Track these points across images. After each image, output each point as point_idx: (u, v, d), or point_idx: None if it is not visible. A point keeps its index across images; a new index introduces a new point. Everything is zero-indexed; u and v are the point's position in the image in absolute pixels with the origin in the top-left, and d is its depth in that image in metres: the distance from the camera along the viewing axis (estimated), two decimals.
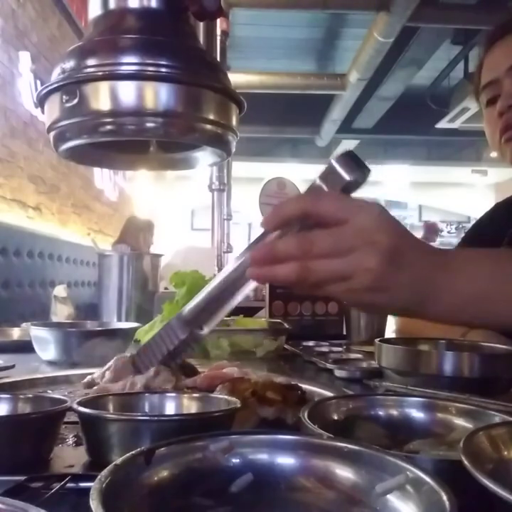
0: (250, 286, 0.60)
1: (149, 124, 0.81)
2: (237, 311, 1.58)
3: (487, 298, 0.58)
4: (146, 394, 0.60)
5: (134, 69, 0.78)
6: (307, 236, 0.55)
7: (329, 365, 1.00)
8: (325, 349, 1.23)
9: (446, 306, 0.58)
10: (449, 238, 11.70)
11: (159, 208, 7.76)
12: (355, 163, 0.56)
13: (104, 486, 0.31)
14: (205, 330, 0.65)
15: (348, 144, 8.69)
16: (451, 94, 6.10)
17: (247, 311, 1.60)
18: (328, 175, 0.56)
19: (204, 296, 0.64)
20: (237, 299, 0.62)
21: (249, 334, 1.23)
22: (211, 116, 0.83)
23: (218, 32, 2.33)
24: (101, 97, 0.78)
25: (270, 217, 0.57)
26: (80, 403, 0.52)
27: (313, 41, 6.26)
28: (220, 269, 2.92)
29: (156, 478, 0.36)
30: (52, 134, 0.83)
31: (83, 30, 3.73)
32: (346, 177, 0.55)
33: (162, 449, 0.37)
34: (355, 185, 0.57)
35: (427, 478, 0.33)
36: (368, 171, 0.56)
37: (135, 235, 3.98)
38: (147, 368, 0.67)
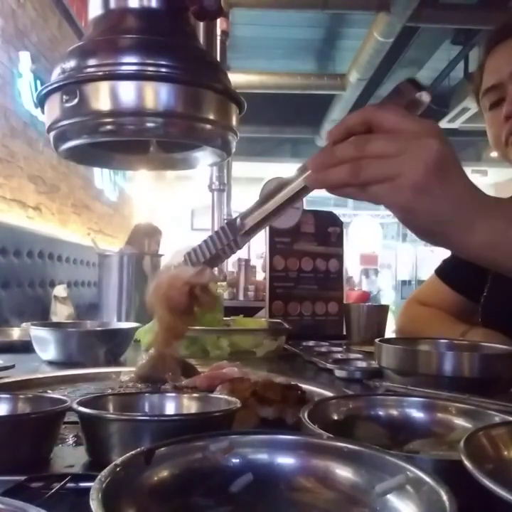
0: (304, 194, 0.63)
1: (149, 124, 0.81)
2: (237, 311, 1.58)
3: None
4: (146, 394, 0.60)
5: (134, 69, 0.78)
6: (362, 138, 0.58)
7: (329, 365, 1.00)
8: (325, 349, 1.22)
9: (477, 236, 0.59)
10: None
11: (159, 208, 7.76)
12: (417, 84, 0.62)
13: (104, 486, 0.31)
14: (251, 236, 0.66)
15: None
16: (451, 94, 6.11)
17: (247, 311, 1.60)
18: (392, 94, 0.62)
19: (258, 206, 0.65)
20: (288, 208, 0.65)
21: (249, 334, 1.23)
22: (211, 116, 0.83)
23: (218, 32, 2.33)
24: (101, 97, 0.78)
25: (335, 127, 0.61)
26: (79, 403, 0.52)
27: (313, 41, 6.27)
28: (219, 269, 2.92)
29: (156, 478, 0.36)
30: (52, 134, 0.83)
31: (83, 30, 3.73)
32: (409, 94, 0.61)
33: (162, 449, 0.37)
34: (417, 105, 0.62)
35: (427, 478, 0.33)
36: (430, 93, 0.62)
37: (141, 241, 3.98)
38: (194, 264, 0.67)
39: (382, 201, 0.59)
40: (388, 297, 10.51)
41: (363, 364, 1.01)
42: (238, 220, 0.65)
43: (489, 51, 1.12)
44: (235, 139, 0.89)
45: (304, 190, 0.63)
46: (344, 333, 1.50)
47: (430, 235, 0.62)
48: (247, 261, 3.74)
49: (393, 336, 1.50)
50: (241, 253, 4.36)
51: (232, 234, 0.66)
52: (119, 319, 1.75)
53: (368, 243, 10.82)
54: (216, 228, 2.92)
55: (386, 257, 11.47)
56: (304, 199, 1.55)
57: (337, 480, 0.38)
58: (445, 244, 0.63)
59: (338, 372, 0.96)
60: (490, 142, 1.16)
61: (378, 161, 0.57)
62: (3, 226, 2.85)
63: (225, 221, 0.68)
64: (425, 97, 0.62)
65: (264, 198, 0.65)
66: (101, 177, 4.84)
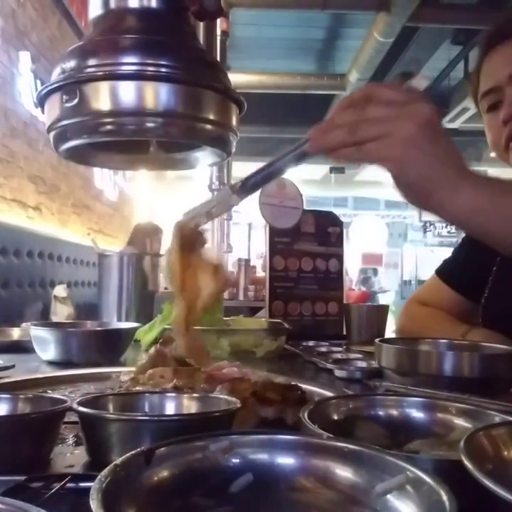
0: (303, 159, 0.67)
1: (149, 124, 0.81)
2: (237, 311, 1.58)
3: (497, 209, 0.64)
4: (146, 394, 0.60)
5: (134, 69, 0.78)
6: (360, 106, 0.63)
7: (329, 365, 1.00)
8: (325, 349, 1.22)
9: (463, 197, 0.63)
10: (449, 238, 11.70)
11: (159, 208, 7.75)
12: (408, 75, 0.69)
13: (104, 486, 0.31)
14: (249, 193, 0.69)
15: None
16: (451, 94, 6.10)
17: (247, 311, 1.60)
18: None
19: (259, 169, 0.68)
20: (285, 171, 0.69)
21: (249, 334, 1.23)
22: (211, 116, 0.83)
23: (218, 32, 2.33)
24: (101, 97, 0.78)
25: (339, 102, 0.67)
26: (79, 403, 0.52)
27: (313, 41, 6.27)
28: None
29: (156, 478, 0.36)
30: (52, 134, 0.83)
31: (83, 30, 3.73)
32: (403, 84, 0.65)
33: (162, 449, 0.37)
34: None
35: (427, 478, 0.33)
36: (418, 74, 0.67)
37: (142, 240, 3.98)
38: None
39: (376, 156, 0.63)
40: (388, 297, 10.49)
41: (363, 364, 1.01)
42: (240, 181, 0.69)
43: (486, 53, 1.11)
44: (235, 139, 0.89)
45: (304, 155, 0.67)
46: (344, 333, 1.50)
47: (419, 193, 0.65)
48: (247, 261, 3.75)
49: (393, 335, 1.50)
50: (241, 253, 4.36)
51: (230, 191, 0.69)
52: (119, 319, 1.75)
53: (372, 242, 10.80)
54: (216, 227, 2.92)
55: (391, 257, 11.45)
56: (304, 199, 1.55)
57: (337, 480, 0.38)
58: (433, 204, 0.66)
59: (338, 372, 0.96)
60: (489, 144, 1.16)
61: (373, 122, 0.62)
62: (3, 226, 2.85)
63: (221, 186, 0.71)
64: (420, 82, 0.68)
65: (269, 161, 0.68)
66: (101, 177, 4.83)
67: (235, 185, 0.69)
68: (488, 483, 0.31)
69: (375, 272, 11.18)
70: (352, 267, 10.11)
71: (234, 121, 0.87)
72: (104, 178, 4.91)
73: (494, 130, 1.11)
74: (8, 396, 0.57)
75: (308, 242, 1.58)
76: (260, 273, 3.83)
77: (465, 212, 0.65)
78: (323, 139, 0.64)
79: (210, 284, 0.71)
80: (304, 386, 0.70)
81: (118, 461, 0.35)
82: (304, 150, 0.66)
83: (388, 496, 0.34)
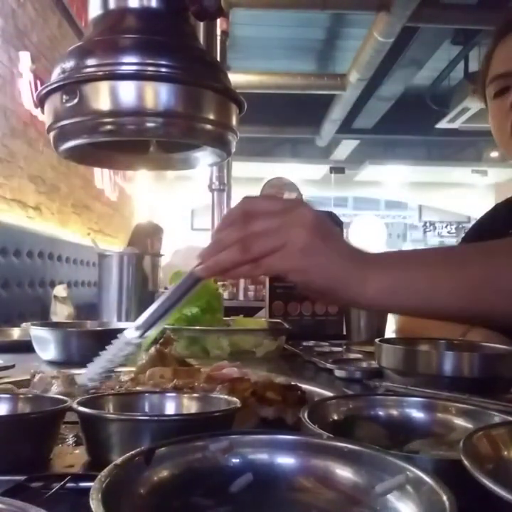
0: (197, 287, 0.66)
1: (149, 124, 0.81)
2: (237, 311, 1.58)
3: (413, 288, 0.63)
4: (146, 394, 0.60)
5: (134, 69, 0.78)
6: (244, 221, 0.63)
7: (329, 365, 1.00)
8: (325, 349, 1.22)
9: (373, 284, 0.62)
10: (448, 238, 11.70)
11: (159, 208, 7.75)
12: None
13: (104, 486, 0.31)
14: (144, 337, 0.68)
15: (348, 144, 8.71)
16: (451, 94, 6.10)
17: (247, 311, 1.60)
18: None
19: (154, 309, 0.67)
20: (180, 303, 0.67)
21: (249, 334, 1.23)
22: (211, 116, 0.83)
23: (218, 32, 2.33)
24: (101, 96, 0.78)
25: (218, 225, 0.66)
26: (79, 403, 0.52)
27: (313, 41, 6.27)
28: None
29: (156, 478, 0.36)
30: (52, 134, 0.83)
31: (83, 30, 3.73)
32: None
33: (162, 449, 0.37)
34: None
35: (427, 478, 0.33)
36: (295, 192, 0.68)
37: (143, 240, 3.97)
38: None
39: (277, 270, 0.63)
40: None
41: (363, 364, 1.01)
42: (132, 329, 0.67)
43: (499, 39, 1.10)
44: (235, 139, 0.89)
45: (198, 281, 0.65)
46: (344, 333, 1.50)
47: (329, 294, 0.66)
48: None
49: (393, 335, 1.50)
50: None
51: (125, 340, 0.67)
52: (119, 319, 1.75)
53: (371, 243, 10.80)
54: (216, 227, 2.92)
55: None
56: (304, 199, 1.55)
57: (337, 480, 0.38)
58: (343, 299, 0.67)
59: (338, 372, 0.96)
60: (493, 133, 1.14)
61: (262, 236, 0.62)
62: (3, 226, 2.85)
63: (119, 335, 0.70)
64: (291, 194, 0.70)
65: (159, 300, 0.67)
66: (101, 177, 4.83)
67: (135, 329, 0.67)
68: (488, 483, 0.31)
69: None
70: None
71: (234, 121, 0.87)
72: (104, 178, 4.91)
73: (500, 116, 1.10)
74: (8, 396, 0.57)
75: None
76: None
77: (376, 301, 0.64)
78: (216, 262, 0.63)
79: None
80: (304, 386, 0.70)
81: (118, 461, 0.35)
82: (196, 276, 0.64)
83: (388, 496, 0.34)
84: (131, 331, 0.67)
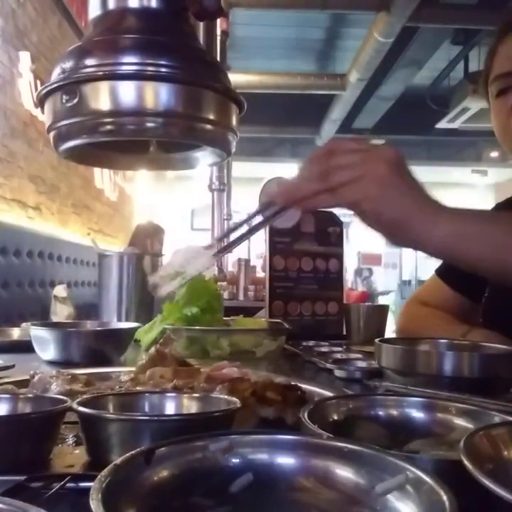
0: (280, 215, 0.69)
1: (149, 124, 0.81)
2: (237, 311, 1.58)
3: (479, 237, 0.66)
4: (146, 394, 0.60)
5: (133, 69, 0.78)
6: (327, 157, 0.65)
7: (329, 365, 1.00)
8: (325, 349, 1.22)
9: (440, 227, 0.64)
10: None
11: (159, 208, 7.75)
12: None
13: (104, 486, 0.31)
14: (220, 256, 0.71)
15: None
16: (451, 94, 6.10)
17: (247, 311, 1.60)
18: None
19: (229, 229, 0.70)
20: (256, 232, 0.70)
21: (249, 334, 1.23)
22: (211, 116, 0.83)
23: (218, 32, 2.33)
24: (101, 96, 0.78)
25: (304, 161, 0.68)
26: (79, 403, 0.52)
27: (313, 41, 6.27)
28: (219, 269, 2.92)
29: (156, 478, 0.36)
30: (52, 134, 0.83)
31: (83, 30, 3.73)
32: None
33: (162, 449, 0.37)
34: None
35: (427, 478, 0.33)
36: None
37: (143, 241, 3.97)
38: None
39: (352, 198, 0.64)
40: (388, 297, 10.48)
41: (363, 364, 1.01)
42: (209, 243, 0.70)
43: (501, 39, 1.10)
44: (235, 139, 0.89)
45: (281, 210, 0.68)
46: (344, 333, 1.50)
47: (396, 231, 0.66)
48: (247, 261, 3.74)
49: (393, 335, 1.50)
50: (241, 253, 4.36)
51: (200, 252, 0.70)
52: (119, 319, 1.75)
53: (371, 242, 10.79)
54: (216, 227, 2.92)
55: (390, 257, 11.42)
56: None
57: (337, 480, 0.38)
58: (410, 240, 0.67)
59: (338, 372, 0.96)
60: (495, 132, 1.14)
61: (343, 168, 0.64)
62: (3, 226, 2.85)
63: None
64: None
65: (238, 222, 0.70)
66: (101, 177, 4.83)
67: (210, 246, 0.69)
68: (488, 483, 0.31)
69: (370, 271, 11.12)
70: (350, 266, 10.09)
71: (234, 121, 0.87)
72: (104, 178, 4.91)
73: (502, 115, 1.10)
74: (8, 396, 0.57)
75: (308, 242, 1.58)
76: (260, 273, 3.83)
77: (444, 244, 0.66)
78: (295, 190, 0.66)
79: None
80: (304, 386, 0.70)
81: (118, 461, 0.35)
82: (276, 201, 0.67)
83: (388, 495, 0.34)
84: (206, 244, 0.69)
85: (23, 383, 0.79)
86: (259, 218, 0.69)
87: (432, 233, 0.64)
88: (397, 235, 0.67)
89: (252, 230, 0.69)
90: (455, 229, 0.65)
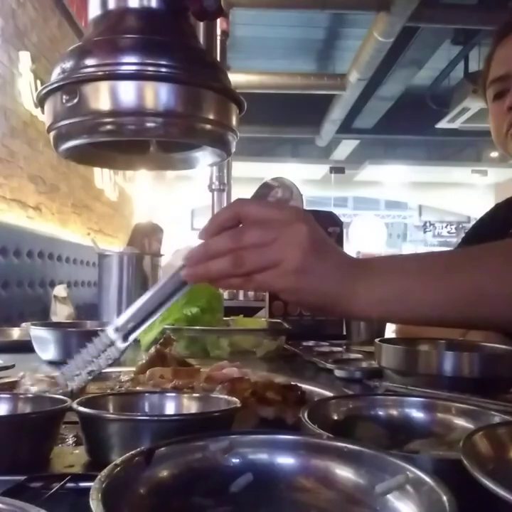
0: (183, 291, 0.62)
1: (149, 124, 0.81)
2: (237, 311, 1.58)
3: (401, 298, 0.62)
4: (146, 394, 0.60)
5: (133, 69, 0.78)
6: (237, 230, 0.60)
7: (329, 365, 1.00)
8: (325, 349, 1.22)
9: (362, 299, 0.61)
10: (448, 238, 11.70)
11: (159, 208, 7.76)
12: (277, 181, 0.68)
13: (104, 486, 0.31)
14: (129, 341, 0.64)
15: (348, 144, 8.71)
16: (451, 94, 6.10)
17: (247, 311, 1.60)
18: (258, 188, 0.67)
19: (137, 308, 0.63)
20: (167, 306, 0.63)
21: (249, 334, 1.23)
22: (211, 116, 0.83)
23: (218, 32, 2.33)
24: (101, 96, 0.78)
25: (206, 225, 0.62)
26: (79, 403, 0.52)
27: (313, 41, 6.27)
28: None
29: (156, 478, 0.36)
30: (52, 133, 0.83)
31: (83, 30, 3.73)
32: (270, 189, 0.66)
33: (162, 449, 0.37)
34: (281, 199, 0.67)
35: (427, 478, 0.33)
36: (290, 191, 0.67)
37: (140, 240, 3.97)
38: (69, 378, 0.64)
39: (270, 288, 0.62)
40: None
41: (363, 364, 1.01)
42: (113, 327, 0.63)
43: (499, 41, 1.11)
44: (235, 139, 0.89)
45: (183, 286, 0.62)
46: (344, 333, 1.50)
47: (321, 309, 0.65)
48: None
49: (393, 335, 1.50)
50: None
51: (107, 341, 0.63)
52: None
53: (371, 242, 10.79)
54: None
55: None
56: (304, 199, 1.55)
57: (337, 480, 0.38)
58: (336, 313, 0.69)
59: (338, 372, 0.96)
60: (492, 135, 1.15)
61: (257, 250, 0.59)
62: (3, 226, 2.85)
63: (99, 332, 0.65)
64: (282, 193, 0.67)
65: (143, 299, 0.63)
66: (101, 177, 4.83)
67: (115, 330, 0.63)
68: (488, 483, 0.31)
69: None
70: None
71: (234, 121, 0.87)
72: (104, 178, 4.91)
73: (498, 118, 1.11)
74: (8, 396, 0.57)
75: None
76: None
77: (368, 312, 0.64)
78: (205, 268, 0.60)
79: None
80: (304, 386, 0.70)
81: (118, 461, 0.35)
82: (181, 280, 0.61)
83: (388, 496, 0.34)
84: (112, 331, 0.63)
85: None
86: (165, 293, 0.62)
87: (353, 308, 0.62)
88: (322, 313, 0.67)
89: (161, 306, 0.62)
90: (374, 296, 0.62)
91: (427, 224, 12.21)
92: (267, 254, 0.59)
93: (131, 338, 0.63)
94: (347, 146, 8.74)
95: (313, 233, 0.60)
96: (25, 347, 1.13)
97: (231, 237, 0.60)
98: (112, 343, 0.63)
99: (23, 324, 1.43)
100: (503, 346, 0.87)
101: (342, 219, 1.70)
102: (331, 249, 0.62)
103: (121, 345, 0.63)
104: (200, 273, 0.61)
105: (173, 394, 0.60)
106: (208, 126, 0.83)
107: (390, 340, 0.92)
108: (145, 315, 0.63)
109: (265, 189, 0.66)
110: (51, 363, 1.07)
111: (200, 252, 0.61)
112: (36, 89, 3.15)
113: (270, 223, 0.60)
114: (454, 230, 11.70)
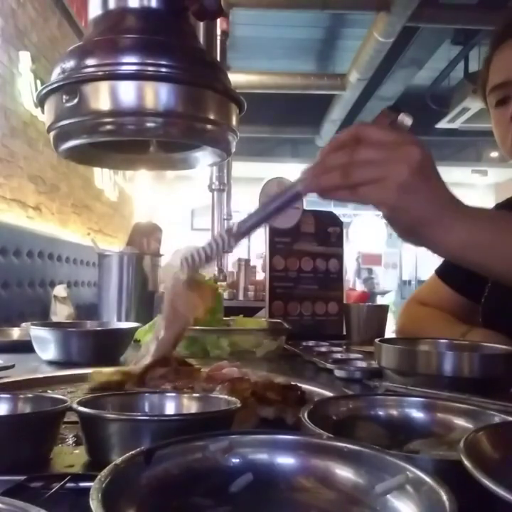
0: (297, 200, 0.69)
1: (149, 124, 0.81)
2: (237, 311, 1.58)
3: (493, 247, 0.66)
4: (146, 394, 0.60)
5: (134, 69, 0.78)
6: (352, 148, 0.63)
7: (329, 365, 1.00)
8: (325, 349, 1.22)
9: (457, 235, 0.64)
10: None
11: (159, 208, 7.76)
12: (397, 109, 0.68)
13: (104, 486, 0.31)
14: (245, 236, 0.70)
15: None
16: (451, 94, 6.10)
17: (247, 311, 1.60)
18: (377, 117, 0.68)
19: (253, 212, 0.69)
20: (283, 211, 0.69)
21: (249, 334, 1.23)
22: (211, 116, 0.83)
23: (218, 32, 2.33)
24: (101, 96, 0.78)
25: (327, 144, 0.67)
26: (79, 403, 0.52)
27: (313, 41, 6.26)
28: (220, 269, 2.92)
29: (156, 479, 0.36)
30: (52, 133, 0.83)
31: (83, 30, 3.73)
32: (390, 117, 0.67)
33: (162, 449, 0.37)
34: (400, 126, 0.67)
35: (427, 478, 0.33)
36: (410, 116, 0.67)
37: (139, 240, 3.97)
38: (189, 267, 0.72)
39: (371, 200, 0.64)
40: (388, 297, 10.48)
41: (363, 364, 1.01)
42: (236, 224, 0.69)
43: (497, 47, 1.10)
44: (235, 139, 0.89)
45: (298, 196, 0.67)
46: (344, 333, 1.50)
47: (414, 234, 0.67)
48: (247, 261, 3.75)
49: (393, 335, 1.50)
50: (241, 253, 4.36)
51: (227, 236, 0.69)
52: (119, 319, 1.75)
53: (371, 242, 10.78)
54: (216, 227, 2.92)
55: (390, 257, 11.42)
56: (304, 199, 1.55)
57: (337, 480, 0.38)
58: (426, 243, 0.68)
59: (338, 372, 0.96)
60: (496, 140, 1.14)
61: (367, 165, 0.63)
62: (3, 226, 2.85)
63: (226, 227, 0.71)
64: (406, 119, 0.68)
65: (263, 203, 0.69)
66: (101, 177, 4.83)
67: (231, 229, 0.69)
68: (488, 483, 0.31)
69: (370, 271, 11.12)
70: (349, 267, 10.08)
71: (234, 121, 0.87)
72: (104, 178, 4.92)
73: (502, 126, 1.10)
74: (8, 396, 0.57)
75: (308, 242, 1.58)
76: (260, 273, 3.83)
77: (457, 251, 0.66)
78: (318, 182, 0.65)
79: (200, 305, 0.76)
80: (304, 386, 0.71)
81: (118, 461, 0.35)
82: (297, 191, 0.67)
83: (388, 496, 0.34)
84: (225, 233, 0.69)
85: (23, 383, 0.79)
86: (282, 201, 0.68)
87: (446, 240, 0.65)
88: (411, 238, 0.68)
89: (273, 213, 0.68)
90: (470, 238, 0.65)
91: None
92: (374, 169, 0.62)
93: (245, 237, 0.69)
94: None
95: (425, 158, 0.63)
96: (25, 347, 1.13)
97: (345, 152, 0.63)
98: (225, 242, 0.69)
99: (23, 324, 1.43)
100: (503, 346, 0.87)
101: (342, 219, 1.70)
102: (438, 178, 0.65)
103: (233, 243, 0.69)
104: (313, 185, 0.65)
105: (173, 394, 0.60)
106: (208, 126, 0.83)
107: (390, 340, 0.92)
108: (259, 219, 0.69)
109: (390, 116, 0.68)
110: (51, 362, 1.07)
111: (317, 166, 0.65)
112: (36, 89, 3.15)
113: (386, 144, 0.63)
114: None
